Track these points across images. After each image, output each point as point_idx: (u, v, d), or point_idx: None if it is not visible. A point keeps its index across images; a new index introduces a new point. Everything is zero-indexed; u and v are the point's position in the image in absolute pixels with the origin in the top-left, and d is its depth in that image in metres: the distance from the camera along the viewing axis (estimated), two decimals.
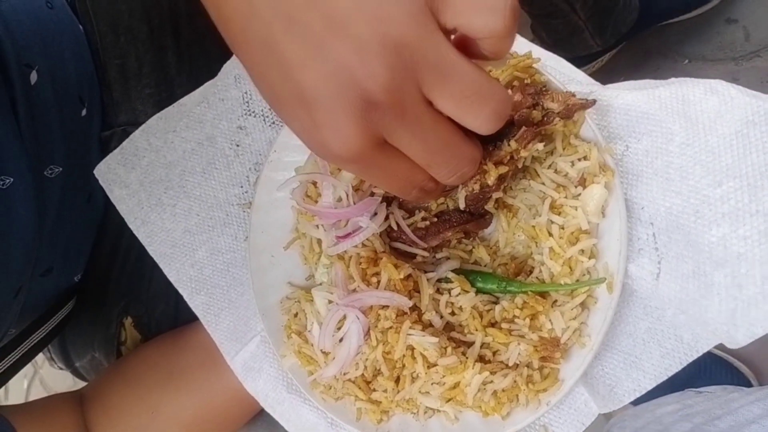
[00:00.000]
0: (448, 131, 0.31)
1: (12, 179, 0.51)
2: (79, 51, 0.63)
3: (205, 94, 0.55)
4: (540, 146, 0.39)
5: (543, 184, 0.42)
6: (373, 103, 0.27)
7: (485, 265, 0.46)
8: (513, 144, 0.38)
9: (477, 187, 0.39)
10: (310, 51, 0.27)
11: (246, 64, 0.31)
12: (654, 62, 1.14)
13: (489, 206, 0.43)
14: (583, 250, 0.40)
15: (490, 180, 0.38)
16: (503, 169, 0.38)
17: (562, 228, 0.41)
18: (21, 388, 1.51)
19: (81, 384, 0.66)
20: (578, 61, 1.12)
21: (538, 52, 0.46)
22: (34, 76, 0.56)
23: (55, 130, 0.58)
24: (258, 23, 0.28)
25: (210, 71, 0.56)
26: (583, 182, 0.41)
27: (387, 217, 0.44)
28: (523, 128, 0.38)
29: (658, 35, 1.11)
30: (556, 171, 0.42)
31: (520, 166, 0.40)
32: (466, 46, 0.30)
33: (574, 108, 0.38)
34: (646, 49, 1.14)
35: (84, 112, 0.63)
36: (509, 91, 0.40)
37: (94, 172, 0.58)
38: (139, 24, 0.64)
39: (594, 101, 0.39)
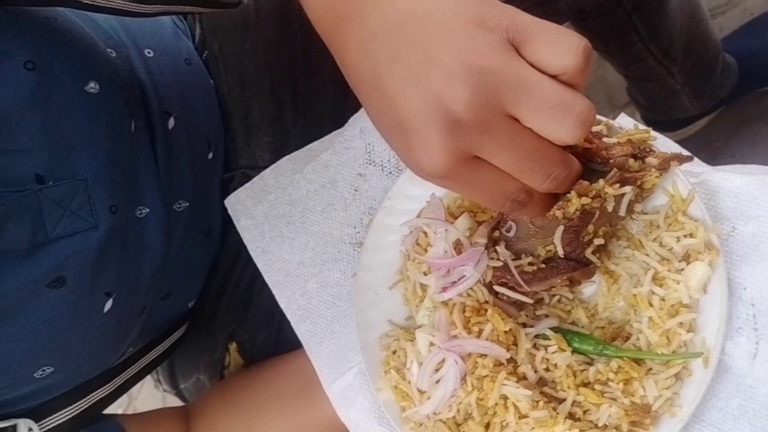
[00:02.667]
0: (534, 138, 0.32)
1: (148, 210, 0.58)
2: (209, 102, 0.71)
3: (332, 141, 0.61)
4: (628, 189, 0.41)
5: (647, 255, 0.44)
6: (458, 121, 0.31)
7: (582, 327, 0.48)
8: (601, 182, 0.40)
9: (560, 213, 0.41)
10: (408, 84, 0.32)
11: (361, 99, 0.36)
12: (753, 128, 1.12)
13: (590, 255, 0.45)
14: (682, 323, 0.42)
15: (572, 209, 0.40)
16: (586, 201, 0.40)
17: (663, 300, 0.43)
18: None
19: None
20: (675, 124, 1.12)
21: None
22: (171, 122, 0.64)
23: (185, 170, 0.65)
24: (368, 64, 0.34)
25: (321, 123, 0.62)
26: (687, 258, 0.43)
27: (492, 258, 0.47)
28: (615, 170, 0.40)
29: (759, 100, 1.09)
30: (661, 244, 0.44)
31: (610, 209, 0.42)
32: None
33: (670, 159, 0.41)
34: (746, 114, 1.12)
35: (210, 155, 0.70)
36: (615, 140, 0.43)
37: (225, 202, 0.64)
38: (263, 80, 0.71)
39: (691, 157, 0.41)
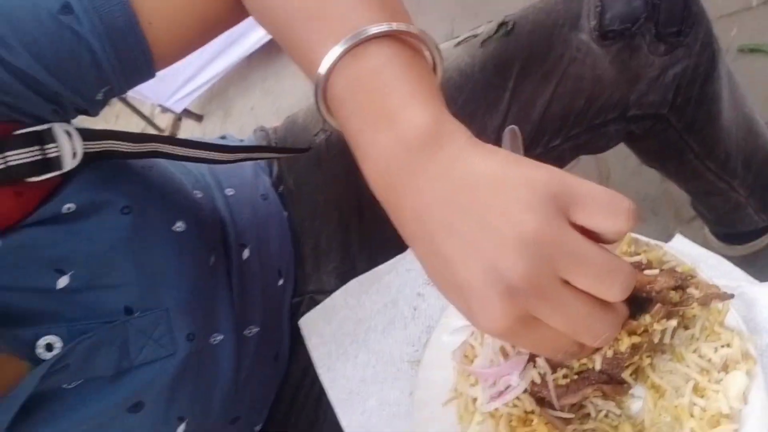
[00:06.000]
0: (586, 304, 0.34)
1: (222, 336, 0.62)
2: (282, 232, 0.77)
3: (395, 264, 0.67)
4: (673, 323, 0.43)
5: (687, 366, 0.44)
6: (516, 289, 0.32)
7: None
8: (647, 318, 0.42)
9: (611, 352, 0.43)
10: (465, 252, 0.34)
11: (416, 255, 0.38)
12: None
13: (627, 376, 0.46)
14: None
15: (623, 347, 0.42)
16: (636, 339, 0.42)
17: (704, 410, 0.43)
18: None
19: None
20: (744, 237, 1.08)
21: (698, 252, 0.50)
22: (246, 253, 0.69)
23: (257, 297, 0.70)
24: (424, 231, 0.36)
25: (385, 248, 0.67)
26: (725, 368, 0.43)
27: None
28: (659, 305, 0.42)
29: None
30: (700, 355, 0.44)
31: (656, 340, 0.44)
32: (586, 231, 0.34)
33: (711, 297, 0.42)
34: None
35: (281, 282, 0.74)
36: (657, 271, 0.45)
37: (299, 322, 0.70)
38: (332, 211, 0.78)
39: (732, 295, 0.42)
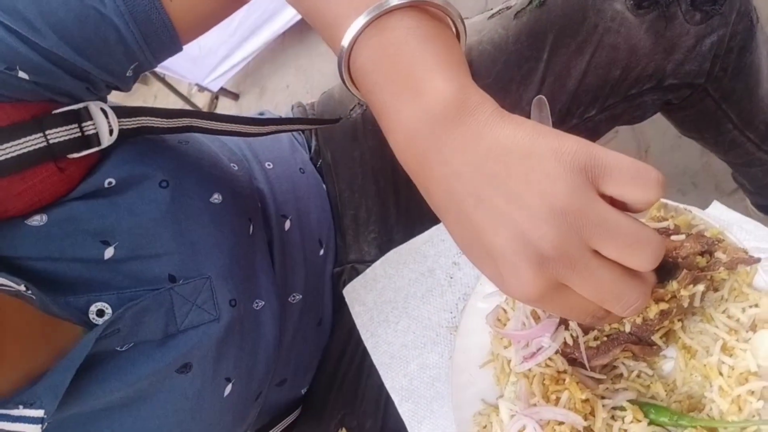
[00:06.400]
0: (615, 272, 0.35)
1: (263, 302, 0.64)
2: (321, 204, 0.80)
3: (431, 235, 0.69)
4: (700, 288, 0.44)
5: (716, 327, 0.46)
6: (547, 257, 0.33)
7: (661, 401, 0.49)
8: (674, 284, 0.44)
9: (639, 320, 0.45)
10: (495, 221, 0.34)
11: (446, 225, 0.39)
12: None
13: (657, 339, 0.48)
14: (752, 391, 0.43)
15: (651, 314, 0.44)
16: (664, 306, 0.44)
17: (732, 368, 0.44)
18: None
19: None
20: None
21: (734, 216, 0.51)
22: (287, 224, 0.72)
23: (299, 265, 0.73)
24: (453, 200, 0.36)
25: (421, 220, 0.67)
26: (754, 327, 0.44)
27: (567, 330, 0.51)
28: (685, 271, 0.44)
29: None
30: (728, 316, 0.46)
31: (685, 305, 0.45)
32: (614, 201, 0.35)
33: (738, 261, 0.43)
34: None
35: (321, 252, 0.77)
36: (684, 236, 0.47)
37: (343, 291, 0.73)
38: (369, 184, 0.80)
39: (759, 259, 0.44)
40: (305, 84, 2.69)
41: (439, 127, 0.36)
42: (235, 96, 3.06)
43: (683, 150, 1.38)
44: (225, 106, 3.15)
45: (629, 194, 0.34)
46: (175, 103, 3.27)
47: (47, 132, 0.48)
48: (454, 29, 0.42)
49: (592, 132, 0.80)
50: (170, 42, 0.53)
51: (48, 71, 0.47)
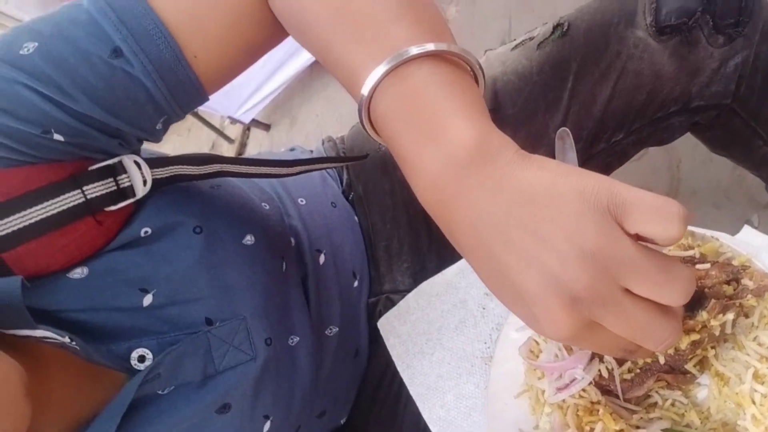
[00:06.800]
0: (646, 309, 0.35)
1: (298, 338, 0.66)
2: (353, 236, 0.81)
3: (461, 267, 0.71)
4: (730, 316, 0.45)
5: (747, 354, 0.46)
6: (579, 298, 0.33)
7: (695, 429, 0.49)
8: (704, 314, 0.44)
9: (672, 350, 0.46)
10: (525, 263, 0.34)
11: (473, 266, 0.39)
12: None
13: (691, 367, 0.48)
14: None
15: (683, 345, 0.44)
16: (695, 336, 0.44)
17: (765, 396, 0.45)
18: None
19: None
20: None
21: (765, 241, 0.51)
22: (322, 258, 0.73)
23: (334, 299, 0.74)
24: (480, 243, 0.37)
25: (452, 249, 0.68)
26: None
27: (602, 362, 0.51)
28: (713, 300, 0.44)
29: None
30: (759, 344, 0.46)
31: (717, 333, 0.46)
32: (640, 236, 0.35)
33: (765, 288, 0.44)
34: None
35: (356, 284, 0.79)
36: (708, 265, 0.47)
37: (378, 324, 0.75)
38: (401, 215, 0.81)
39: None
40: (334, 113, 2.74)
41: (462, 172, 0.37)
42: (267, 127, 3.13)
43: (715, 164, 1.37)
44: (257, 137, 3.23)
45: (651, 231, 0.34)
46: (208, 135, 3.36)
47: (84, 188, 0.50)
48: (472, 73, 0.43)
49: (621, 155, 0.81)
50: (197, 95, 0.55)
51: (82, 132, 0.49)
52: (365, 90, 0.40)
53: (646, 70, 0.71)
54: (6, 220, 0.47)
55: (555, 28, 0.76)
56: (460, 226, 0.38)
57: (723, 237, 0.53)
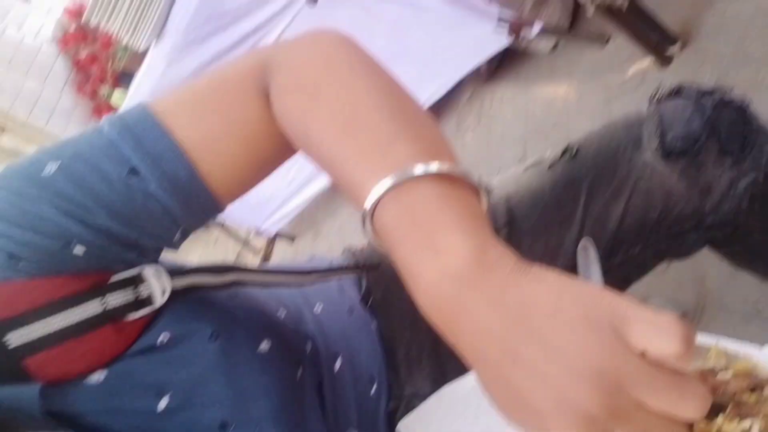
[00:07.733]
0: (663, 420, 0.34)
1: None
2: (371, 343, 0.79)
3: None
4: (747, 424, 0.44)
5: None
6: (594, 416, 0.33)
7: None
8: (720, 420, 0.44)
9: None
10: (536, 380, 0.34)
11: (481, 381, 0.38)
12: None
13: None
14: None
15: None
16: None
17: None
18: None
19: None
20: None
21: None
22: (338, 364, 0.72)
23: (351, 405, 0.72)
24: (487, 359, 0.36)
25: None
26: None
27: None
28: (731, 406, 0.44)
29: None
30: None
31: None
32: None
33: None
34: None
35: (373, 390, 0.76)
36: (729, 375, 0.47)
37: (398, 427, 0.73)
38: (420, 320, 0.78)
39: None
40: (356, 225, 2.77)
41: (460, 285, 0.37)
42: (291, 238, 3.20)
43: (742, 277, 1.36)
44: (281, 248, 3.29)
45: (652, 347, 0.34)
46: (234, 247, 3.43)
47: (105, 298, 0.52)
48: (474, 189, 0.44)
49: (640, 267, 0.81)
50: (212, 208, 0.57)
51: (102, 245, 0.51)
52: (367, 205, 0.42)
53: (657, 190, 0.72)
54: (29, 328, 0.49)
55: (564, 151, 0.79)
56: (464, 337, 0.38)
57: (755, 355, 0.52)
